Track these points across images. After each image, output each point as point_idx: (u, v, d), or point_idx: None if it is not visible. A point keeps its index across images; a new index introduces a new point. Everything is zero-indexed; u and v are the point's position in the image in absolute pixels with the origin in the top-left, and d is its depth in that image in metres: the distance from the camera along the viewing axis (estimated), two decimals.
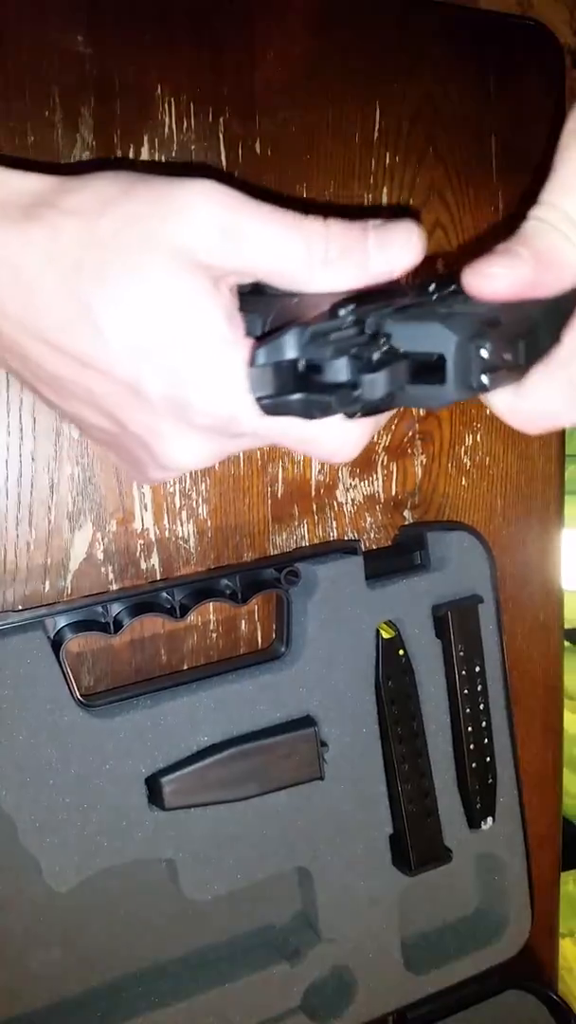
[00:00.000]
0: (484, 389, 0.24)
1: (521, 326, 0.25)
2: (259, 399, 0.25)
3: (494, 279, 0.26)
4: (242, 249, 0.25)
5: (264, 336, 0.26)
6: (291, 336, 0.24)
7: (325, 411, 0.24)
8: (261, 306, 0.27)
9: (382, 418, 0.27)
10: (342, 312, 0.25)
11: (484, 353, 0.23)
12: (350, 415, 0.25)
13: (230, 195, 0.25)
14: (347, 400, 0.24)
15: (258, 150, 0.44)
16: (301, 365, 0.24)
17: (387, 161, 0.47)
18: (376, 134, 0.46)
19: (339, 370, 0.24)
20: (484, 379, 0.23)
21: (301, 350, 0.24)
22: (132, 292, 0.25)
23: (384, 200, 0.47)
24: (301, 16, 0.45)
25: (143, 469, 0.30)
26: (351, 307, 0.25)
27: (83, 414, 0.29)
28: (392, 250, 0.26)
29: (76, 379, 0.27)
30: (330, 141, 0.46)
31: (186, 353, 0.25)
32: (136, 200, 0.26)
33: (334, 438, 0.27)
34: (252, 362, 0.25)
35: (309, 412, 0.24)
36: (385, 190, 0.47)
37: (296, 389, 0.24)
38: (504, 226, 0.50)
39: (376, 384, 0.23)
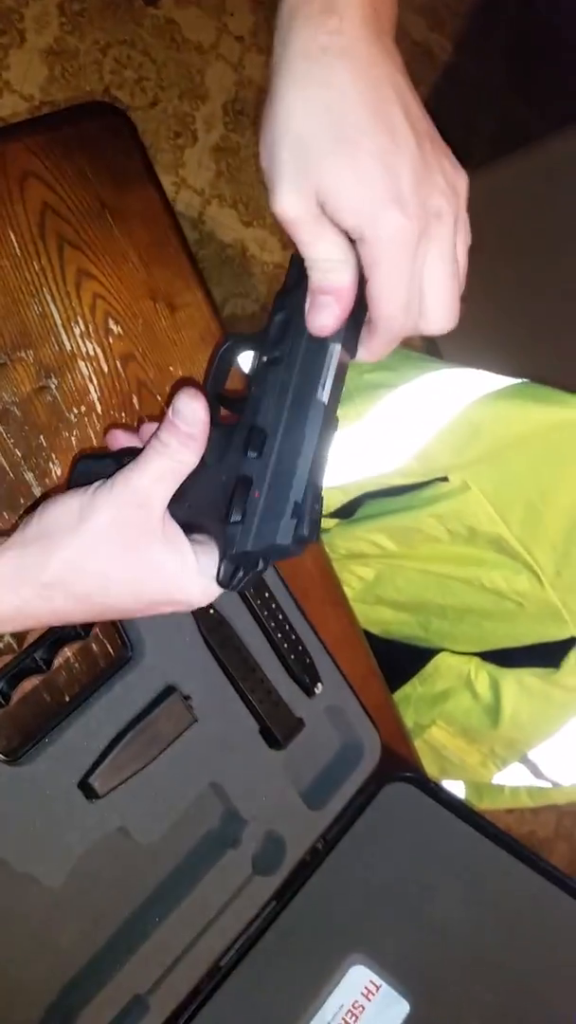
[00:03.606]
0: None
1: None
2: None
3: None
4: (158, 496, 0.43)
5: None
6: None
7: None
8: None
9: None
10: None
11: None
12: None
13: (118, 490, 0.42)
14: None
15: None
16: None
17: (36, 267, 0.58)
18: (17, 250, 0.57)
19: None
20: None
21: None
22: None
23: (51, 294, 0.58)
24: None
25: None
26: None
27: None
28: (189, 407, 0.43)
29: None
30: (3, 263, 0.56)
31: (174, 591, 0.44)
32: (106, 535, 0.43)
33: None
34: (219, 574, 0.44)
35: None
36: (46, 291, 0.58)
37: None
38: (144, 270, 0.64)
39: None
